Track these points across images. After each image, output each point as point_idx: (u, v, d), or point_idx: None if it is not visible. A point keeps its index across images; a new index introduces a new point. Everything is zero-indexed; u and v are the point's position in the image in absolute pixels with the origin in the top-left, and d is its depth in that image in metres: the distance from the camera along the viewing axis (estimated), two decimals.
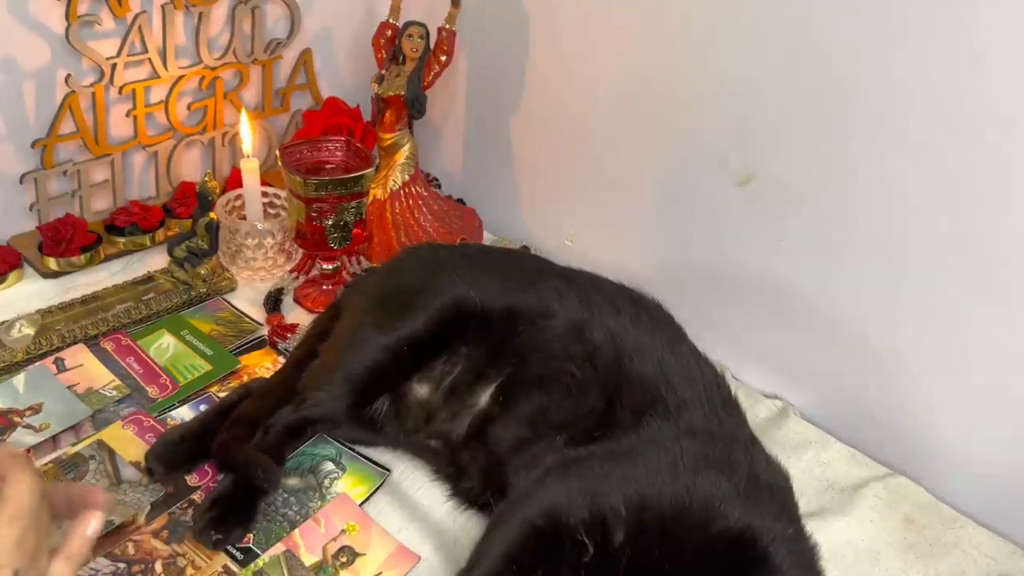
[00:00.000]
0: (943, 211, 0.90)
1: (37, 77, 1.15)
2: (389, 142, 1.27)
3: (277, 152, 1.24)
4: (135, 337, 1.09)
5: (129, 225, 1.26)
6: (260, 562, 0.82)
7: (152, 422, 0.95)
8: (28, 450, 0.90)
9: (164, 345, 1.08)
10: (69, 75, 1.15)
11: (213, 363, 1.06)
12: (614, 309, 0.91)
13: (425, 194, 1.31)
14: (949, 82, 0.85)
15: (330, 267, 1.20)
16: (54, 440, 0.93)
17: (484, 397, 0.91)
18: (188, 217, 1.23)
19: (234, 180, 1.31)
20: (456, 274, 0.95)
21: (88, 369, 1.02)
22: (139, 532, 0.83)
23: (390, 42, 1.24)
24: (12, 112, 1.15)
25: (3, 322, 1.07)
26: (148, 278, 1.20)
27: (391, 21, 1.24)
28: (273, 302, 1.18)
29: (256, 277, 1.24)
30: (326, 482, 0.92)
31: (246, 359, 1.08)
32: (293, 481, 0.91)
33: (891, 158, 0.92)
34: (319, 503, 0.89)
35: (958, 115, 0.86)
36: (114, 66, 1.18)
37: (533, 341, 0.91)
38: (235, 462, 0.88)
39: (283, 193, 1.22)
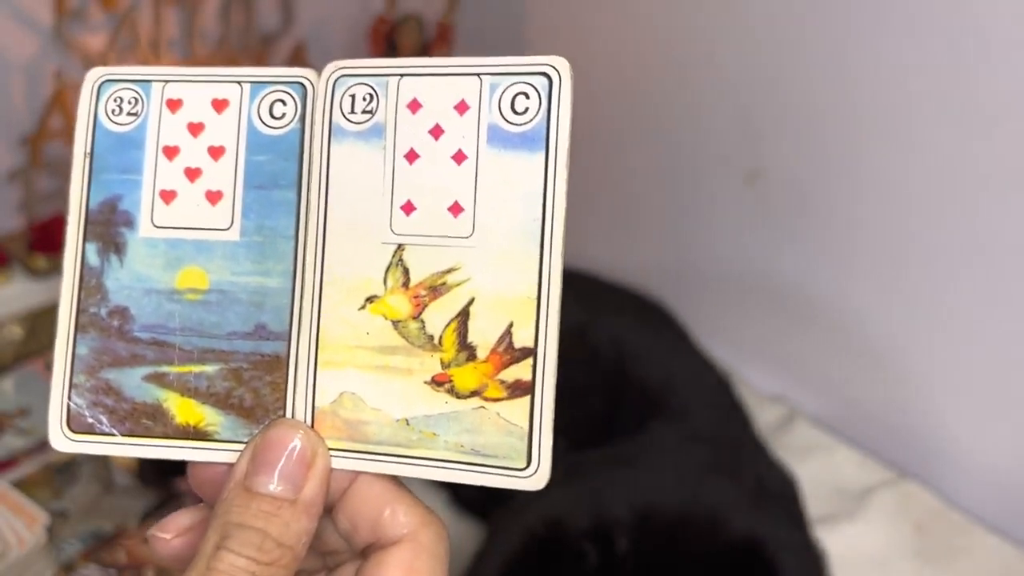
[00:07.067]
0: (955, 209, 0.88)
1: (25, 71, 1.13)
2: None
3: None
4: None
5: None
6: None
7: None
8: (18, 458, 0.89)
9: None
10: (59, 70, 1.13)
11: None
12: (616, 311, 0.90)
13: None
14: (959, 78, 0.84)
15: None
16: (44, 444, 0.91)
17: None
18: None
19: None
20: None
21: None
22: (130, 539, 0.82)
23: (386, 36, 1.23)
24: None
25: None
26: None
27: (387, 15, 1.22)
28: None
29: None
30: None
31: None
32: None
33: (899, 156, 0.90)
34: None
35: (968, 113, 0.84)
36: (105, 60, 1.16)
37: None
38: None
39: None
